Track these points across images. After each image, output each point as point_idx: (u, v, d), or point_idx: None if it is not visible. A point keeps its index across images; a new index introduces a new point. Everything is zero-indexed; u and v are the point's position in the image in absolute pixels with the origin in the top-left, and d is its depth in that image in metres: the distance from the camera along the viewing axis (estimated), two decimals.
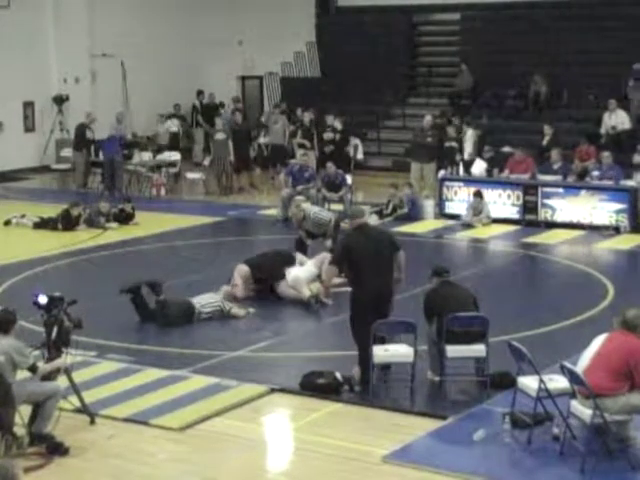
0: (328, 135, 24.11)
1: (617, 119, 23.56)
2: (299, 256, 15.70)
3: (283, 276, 14.96)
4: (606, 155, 20.66)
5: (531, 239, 19.18)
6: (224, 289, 14.37)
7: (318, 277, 14.86)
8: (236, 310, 14.19)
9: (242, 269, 15.01)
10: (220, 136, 24.84)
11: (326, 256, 14.85)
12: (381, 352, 11.07)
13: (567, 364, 9.35)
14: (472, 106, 27.07)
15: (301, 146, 24.94)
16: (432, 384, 11.30)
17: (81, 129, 25.59)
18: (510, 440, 9.82)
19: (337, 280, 12.86)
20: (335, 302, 14.04)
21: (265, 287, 15.13)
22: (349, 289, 11.67)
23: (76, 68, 28.85)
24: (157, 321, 13.72)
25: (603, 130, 23.57)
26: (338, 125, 24.32)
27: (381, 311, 11.30)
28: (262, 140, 26.69)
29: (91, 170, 25.68)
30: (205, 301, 14.07)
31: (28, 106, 28.51)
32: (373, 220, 20.01)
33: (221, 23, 31.58)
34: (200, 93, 30.38)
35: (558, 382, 9.78)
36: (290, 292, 14.88)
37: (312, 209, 17.41)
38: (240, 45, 32.00)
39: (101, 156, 25.14)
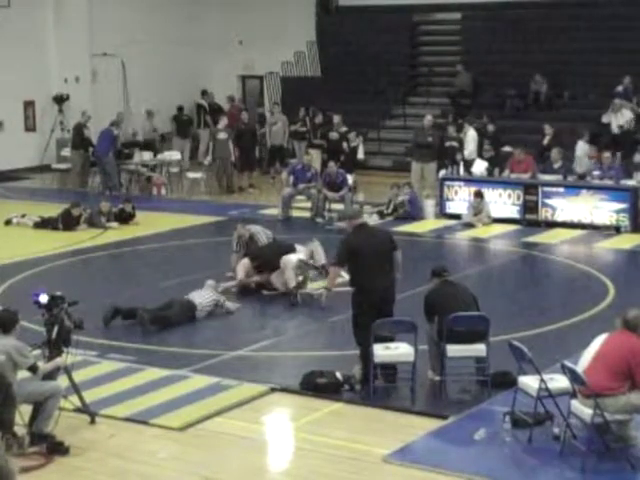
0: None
1: (623, 118, 23.56)
2: (300, 248, 15.76)
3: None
4: (606, 155, 20.66)
5: (531, 239, 19.18)
6: (208, 284, 14.53)
7: (306, 265, 15.16)
8: (229, 303, 14.44)
9: (243, 262, 15.52)
10: (222, 136, 24.84)
11: (315, 247, 15.46)
12: (382, 351, 11.06)
13: (568, 363, 9.35)
14: (472, 106, 27.05)
15: (314, 146, 24.89)
16: (433, 384, 11.29)
17: (78, 128, 25.59)
18: (511, 440, 9.82)
19: (339, 280, 12.81)
20: (334, 302, 14.02)
21: (265, 278, 15.37)
22: (350, 289, 11.67)
23: (77, 67, 28.85)
24: (159, 322, 13.68)
25: (615, 129, 23.51)
26: (342, 127, 24.33)
27: (384, 311, 11.27)
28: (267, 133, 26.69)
29: (90, 170, 25.68)
30: (202, 298, 14.15)
31: (29, 105, 28.52)
32: (374, 220, 20.04)
33: (222, 23, 31.60)
34: (204, 93, 30.33)
35: (559, 381, 9.78)
36: (278, 280, 15.07)
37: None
38: (240, 45, 32.00)
39: None
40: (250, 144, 25.69)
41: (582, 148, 22.05)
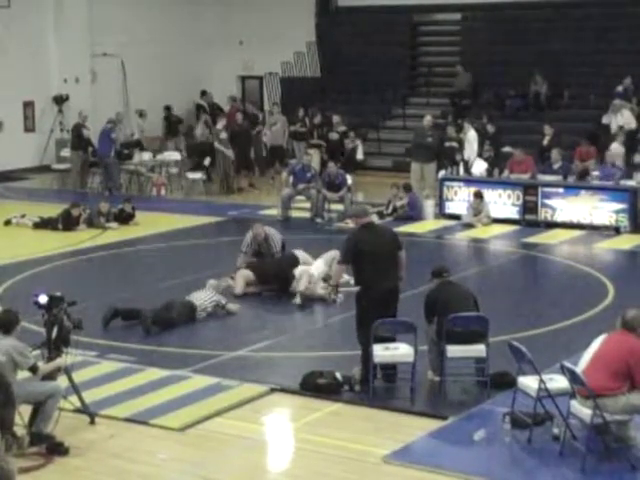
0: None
1: (624, 119, 23.57)
2: (302, 255, 15.68)
3: (291, 278, 15.03)
4: (611, 153, 20.64)
5: (531, 239, 19.18)
6: (210, 284, 14.51)
7: (324, 279, 14.91)
8: (231, 305, 14.42)
9: (245, 273, 15.38)
10: (223, 135, 24.85)
11: (335, 254, 15.01)
12: (382, 351, 11.06)
13: (567, 364, 9.36)
14: (472, 106, 27.06)
15: (313, 146, 24.85)
16: (432, 384, 11.29)
17: (77, 129, 25.58)
18: (510, 440, 9.83)
19: (343, 279, 12.77)
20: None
21: (275, 287, 15.30)
22: (351, 289, 11.66)
23: (76, 68, 28.84)
24: (160, 323, 13.67)
25: (614, 128, 23.51)
26: (341, 127, 24.34)
27: (388, 311, 11.22)
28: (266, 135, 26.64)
29: (89, 170, 25.68)
30: (203, 299, 14.14)
31: (28, 106, 28.51)
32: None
33: (222, 23, 31.61)
34: (204, 93, 30.30)
35: (558, 382, 9.79)
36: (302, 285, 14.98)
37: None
38: (240, 45, 32.02)
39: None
40: (245, 144, 25.67)
41: (617, 150, 21.94)
